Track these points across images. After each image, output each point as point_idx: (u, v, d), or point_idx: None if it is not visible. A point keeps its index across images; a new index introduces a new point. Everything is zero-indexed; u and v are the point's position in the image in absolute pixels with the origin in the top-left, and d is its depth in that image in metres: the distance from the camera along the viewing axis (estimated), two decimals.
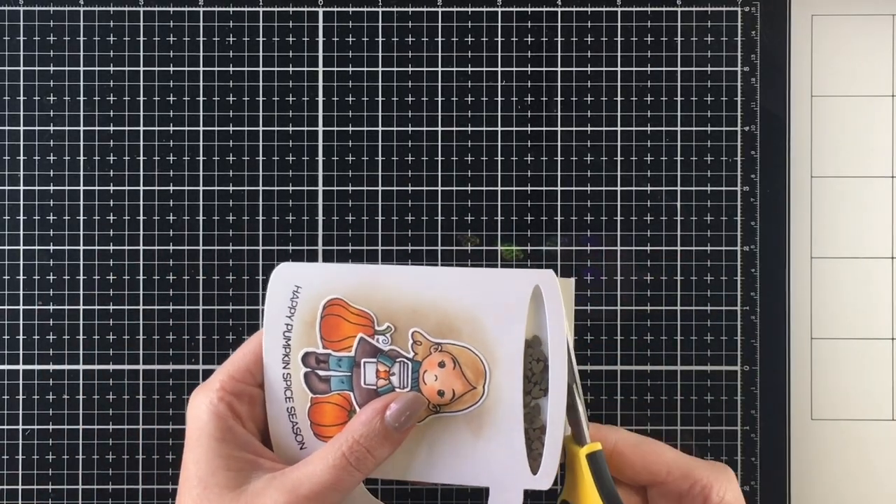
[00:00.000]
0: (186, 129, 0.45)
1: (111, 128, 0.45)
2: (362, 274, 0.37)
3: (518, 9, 0.45)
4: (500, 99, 0.45)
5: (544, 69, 0.45)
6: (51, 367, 0.45)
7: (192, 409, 0.35)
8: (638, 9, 0.45)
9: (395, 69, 0.45)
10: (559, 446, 0.35)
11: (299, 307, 0.37)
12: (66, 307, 0.45)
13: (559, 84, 0.45)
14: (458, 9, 0.45)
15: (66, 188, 0.45)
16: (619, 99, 0.45)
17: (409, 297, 0.36)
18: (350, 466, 0.34)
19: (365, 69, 0.45)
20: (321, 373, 0.37)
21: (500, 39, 0.45)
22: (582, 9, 0.45)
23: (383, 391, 0.37)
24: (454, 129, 0.45)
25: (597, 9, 0.45)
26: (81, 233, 0.45)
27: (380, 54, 0.45)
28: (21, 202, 0.45)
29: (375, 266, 0.39)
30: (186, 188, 0.45)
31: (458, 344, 0.36)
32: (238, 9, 0.45)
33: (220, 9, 0.45)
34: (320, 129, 0.45)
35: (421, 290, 0.36)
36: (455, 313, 0.36)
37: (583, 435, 0.36)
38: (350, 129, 0.45)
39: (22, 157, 0.45)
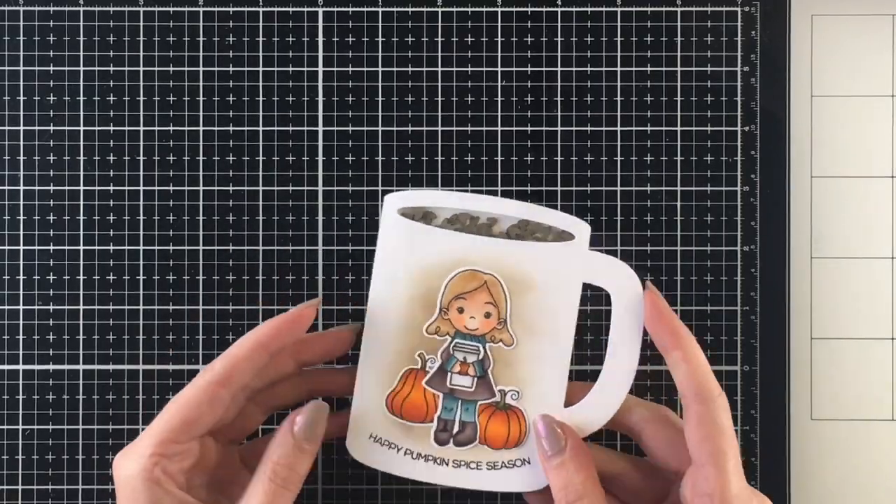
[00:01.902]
0: (186, 129, 0.45)
1: (111, 128, 0.45)
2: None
3: (518, 9, 0.45)
4: (500, 99, 0.45)
5: (544, 69, 0.45)
6: (51, 367, 0.45)
7: (123, 474, 0.35)
8: (638, 9, 0.45)
9: (395, 69, 0.45)
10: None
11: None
12: (66, 307, 0.45)
13: (559, 84, 0.45)
14: (458, 9, 0.45)
15: (66, 188, 0.45)
16: (619, 99, 0.45)
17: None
18: (280, 489, 0.36)
19: (365, 69, 0.45)
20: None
21: (500, 39, 0.45)
22: (582, 9, 0.45)
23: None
24: (454, 129, 0.45)
25: (597, 9, 0.45)
26: (81, 233, 0.45)
27: (380, 54, 0.45)
28: (21, 202, 0.45)
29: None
30: (186, 188, 0.45)
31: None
32: (238, 9, 0.45)
33: (220, 9, 0.45)
34: (320, 129, 0.45)
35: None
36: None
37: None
38: (350, 129, 0.45)
39: (22, 157, 0.45)
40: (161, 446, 0.35)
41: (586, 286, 0.39)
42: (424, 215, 0.39)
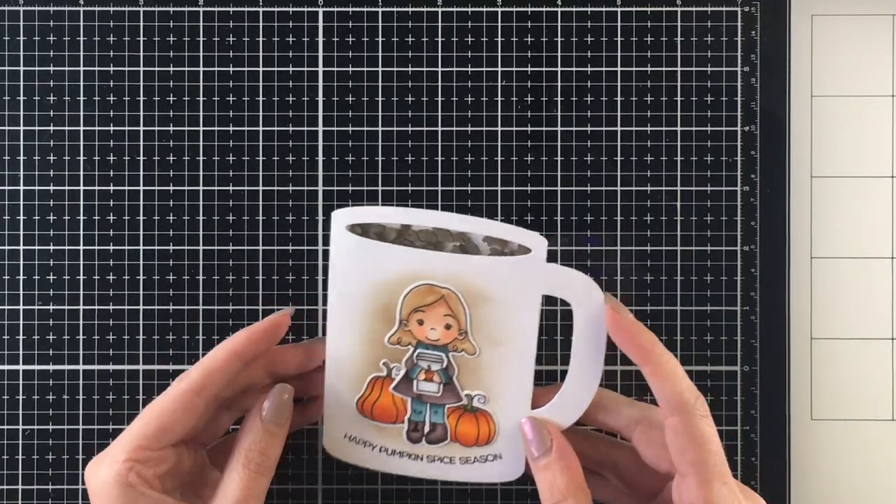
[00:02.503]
0: (186, 129, 0.45)
1: (111, 128, 0.45)
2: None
3: (518, 9, 0.45)
4: (500, 99, 0.45)
5: (544, 69, 0.45)
6: (51, 367, 0.45)
7: (96, 481, 0.35)
8: (638, 9, 0.45)
9: (395, 69, 0.45)
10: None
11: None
12: (66, 307, 0.45)
13: (559, 84, 0.45)
14: (458, 9, 0.45)
15: (66, 188, 0.45)
16: (619, 99, 0.45)
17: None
18: (254, 474, 0.37)
19: (365, 69, 0.45)
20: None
21: (500, 39, 0.45)
22: (582, 9, 0.45)
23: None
24: (454, 129, 0.45)
25: (597, 9, 0.45)
26: (81, 233, 0.45)
27: (380, 54, 0.45)
28: (21, 202, 0.45)
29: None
30: (186, 188, 0.45)
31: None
32: (238, 9, 0.45)
33: (220, 9, 0.45)
34: (320, 129, 0.45)
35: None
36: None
37: None
38: (350, 129, 0.45)
39: (22, 157, 0.45)
40: (135, 452, 0.36)
41: (547, 297, 0.39)
42: (375, 231, 0.40)
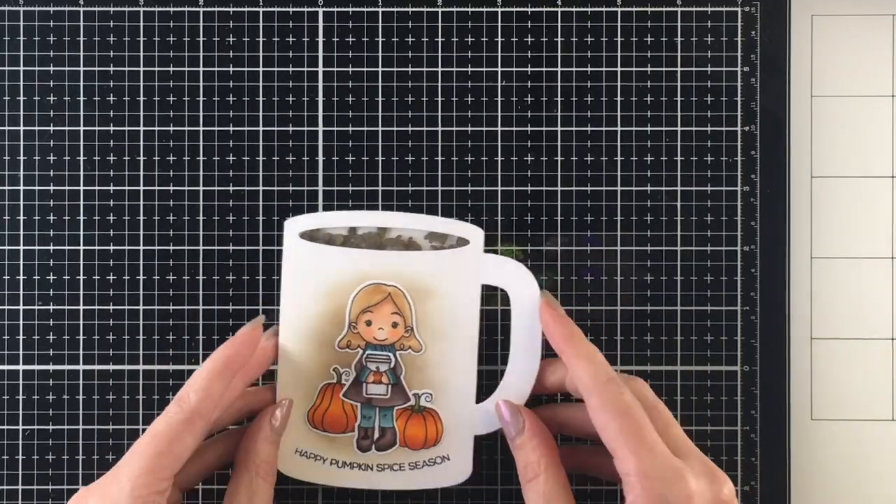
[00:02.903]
0: (186, 129, 0.45)
1: (111, 128, 0.45)
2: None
3: (518, 9, 0.45)
4: (500, 99, 0.45)
5: (544, 69, 0.45)
6: (51, 367, 0.45)
7: None
8: (638, 9, 0.45)
9: (395, 69, 0.45)
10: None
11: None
12: (66, 307, 0.45)
13: (559, 84, 0.45)
14: (458, 9, 0.45)
15: (66, 188, 0.45)
16: (619, 99, 0.45)
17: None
18: (268, 485, 0.38)
19: (365, 69, 0.45)
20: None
21: (500, 39, 0.45)
22: (582, 9, 0.45)
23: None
24: (454, 129, 0.45)
25: (597, 9, 0.45)
26: (81, 233, 0.45)
27: (380, 54, 0.45)
28: (21, 202, 0.45)
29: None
30: (186, 188, 0.45)
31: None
32: (238, 9, 0.45)
33: (220, 9, 0.45)
34: (320, 129, 0.45)
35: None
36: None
37: None
38: (350, 129, 0.45)
39: (22, 157, 0.45)
40: (146, 481, 0.34)
41: (486, 287, 0.41)
42: (324, 236, 0.41)
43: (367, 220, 0.41)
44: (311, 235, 0.41)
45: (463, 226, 0.41)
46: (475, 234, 0.41)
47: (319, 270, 0.41)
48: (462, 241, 0.41)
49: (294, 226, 0.41)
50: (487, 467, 0.44)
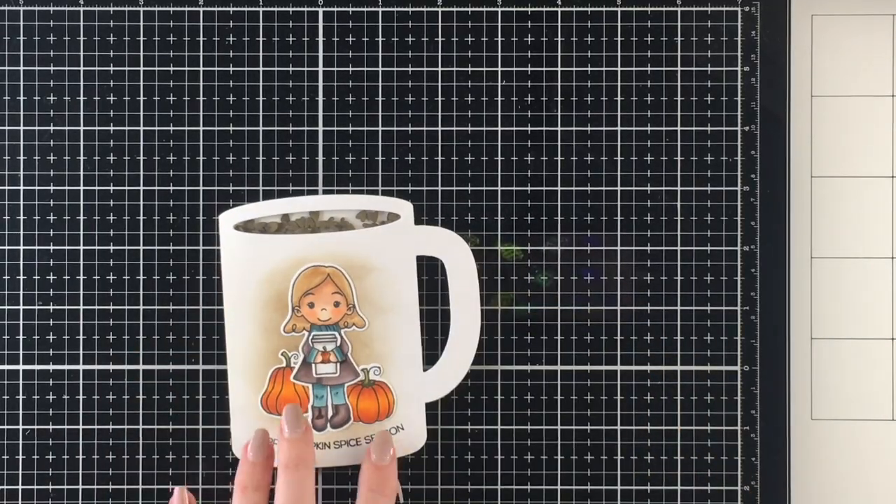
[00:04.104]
0: (186, 129, 0.45)
1: (111, 128, 0.45)
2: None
3: (518, 9, 0.45)
4: (500, 99, 0.45)
5: (544, 69, 0.45)
6: (51, 367, 0.45)
7: None
8: (638, 9, 0.45)
9: (395, 69, 0.45)
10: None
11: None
12: (66, 307, 0.45)
13: (559, 84, 0.45)
14: (458, 9, 0.45)
15: (66, 188, 0.45)
16: (619, 99, 0.45)
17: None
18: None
19: (365, 69, 0.45)
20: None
21: (500, 39, 0.45)
22: (582, 9, 0.45)
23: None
24: (454, 129, 0.45)
25: (597, 9, 0.45)
26: (81, 233, 0.45)
27: (380, 54, 0.45)
28: (21, 202, 0.45)
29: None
30: (186, 188, 0.45)
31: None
32: (238, 9, 0.45)
33: (220, 9, 0.45)
34: (320, 129, 0.45)
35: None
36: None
37: None
38: (350, 129, 0.45)
39: (22, 157, 0.45)
40: None
41: (421, 258, 0.43)
42: (258, 226, 0.42)
43: (298, 205, 0.43)
44: (245, 226, 0.42)
45: (392, 201, 0.43)
46: (405, 208, 0.43)
47: (258, 259, 0.42)
48: (393, 216, 0.43)
49: (229, 218, 0.43)
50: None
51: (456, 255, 0.43)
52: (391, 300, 0.42)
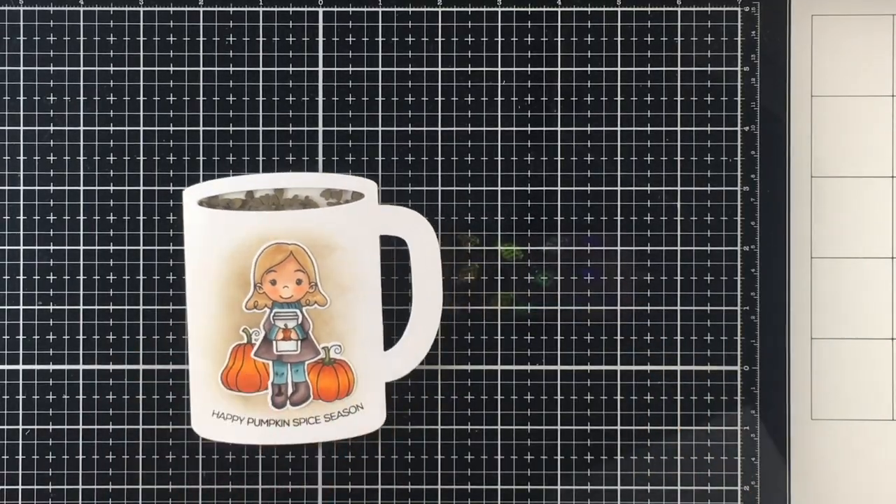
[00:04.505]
0: (186, 129, 0.45)
1: (111, 128, 0.45)
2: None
3: (518, 9, 0.45)
4: (500, 99, 0.45)
5: (544, 69, 0.45)
6: (51, 367, 0.45)
7: None
8: (638, 9, 0.45)
9: (395, 69, 0.45)
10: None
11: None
12: (66, 307, 0.45)
13: (559, 84, 0.45)
14: (458, 9, 0.45)
15: (66, 188, 0.45)
16: (619, 99, 0.45)
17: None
18: None
19: (365, 69, 0.45)
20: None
21: (500, 39, 0.45)
22: (582, 9, 0.45)
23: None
24: (454, 129, 0.45)
25: (597, 9, 0.45)
26: (81, 233, 0.45)
27: (380, 54, 0.45)
28: (21, 202, 0.45)
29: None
30: (186, 188, 0.45)
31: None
32: (238, 9, 0.45)
33: (220, 9, 0.45)
34: (320, 129, 0.45)
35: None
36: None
37: None
38: (350, 129, 0.45)
39: (22, 157, 0.45)
40: None
41: (385, 238, 0.43)
42: (222, 202, 0.43)
43: (262, 182, 0.43)
44: (209, 202, 0.43)
45: (357, 180, 0.43)
46: (369, 188, 0.43)
47: (220, 235, 0.42)
48: (357, 196, 0.43)
49: (193, 194, 0.43)
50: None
51: (420, 235, 0.43)
52: (353, 279, 0.42)
